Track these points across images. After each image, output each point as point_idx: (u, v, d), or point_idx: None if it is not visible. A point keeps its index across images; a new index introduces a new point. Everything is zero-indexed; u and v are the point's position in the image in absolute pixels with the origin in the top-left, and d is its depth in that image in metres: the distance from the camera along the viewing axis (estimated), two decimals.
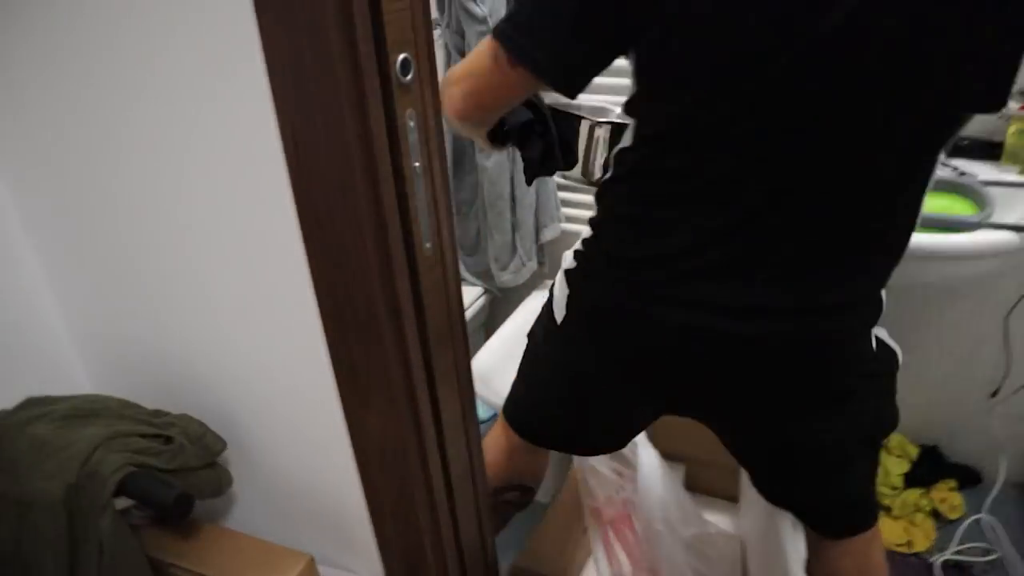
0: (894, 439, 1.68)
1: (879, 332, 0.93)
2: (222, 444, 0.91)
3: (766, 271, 0.82)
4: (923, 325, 1.63)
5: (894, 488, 1.59)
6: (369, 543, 0.96)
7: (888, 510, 1.58)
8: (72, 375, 1.00)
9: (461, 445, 0.92)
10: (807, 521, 1.05)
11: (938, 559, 1.52)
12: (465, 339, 0.90)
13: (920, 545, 1.54)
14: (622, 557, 1.32)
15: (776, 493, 1.04)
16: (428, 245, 0.77)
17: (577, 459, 1.25)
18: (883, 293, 0.89)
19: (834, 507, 1.01)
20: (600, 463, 1.27)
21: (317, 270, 0.77)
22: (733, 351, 0.86)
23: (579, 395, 1.05)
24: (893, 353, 0.95)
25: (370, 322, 0.76)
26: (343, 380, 0.83)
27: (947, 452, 1.71)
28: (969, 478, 1.69)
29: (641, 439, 1.24)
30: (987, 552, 1.52)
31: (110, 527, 0.75)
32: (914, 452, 1.65)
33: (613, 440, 1.14)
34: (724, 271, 0.83)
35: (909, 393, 1.73)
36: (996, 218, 1.23)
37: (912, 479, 1.61)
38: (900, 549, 1.55)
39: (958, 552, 1.53)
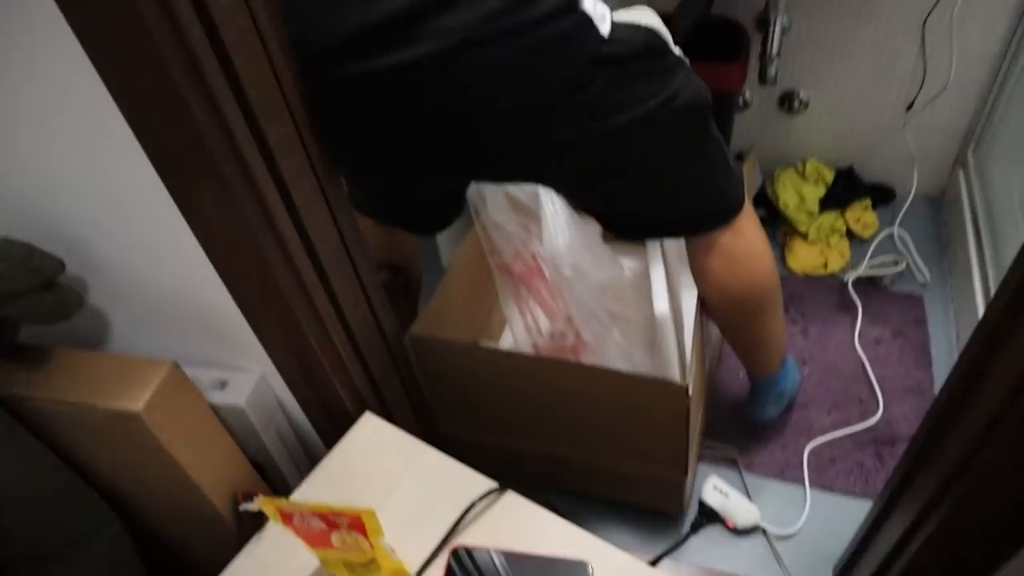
0: (810, 165, 1.65)
1: (618, 17, 0.86)
2: (55, 264, 0.81)
3: None
4: (837, 45, 1.53)
5: (810, 213, 1.58)
6: (251, 338, 0.90)
7: (805, 236, 1.59)
8: None
9: (324, 220, 0.84)
10: (651, 233, 1.04)
11: (851, 276, 1.55)
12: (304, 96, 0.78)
13: (835, 265, 1.56)
14: (537, 311, 1.30)
15: (613, 222, 1.01)
16: None
17: (477, 216, 1.18)
18: None
19: (664, 211, 0.98)
20: (504, 218, 1.20)
21: (94, 48, 0.63)
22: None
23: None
24: (648, 32, 0.87)
25: (168, 93, 0.63)
26: (163, 169, 0.72)
27: (862, 172, 1.69)
28: (883, 196, 1.69)
29: (543, 190, 1.17)
30: (896, 263, 1.55)
31: None
32: (830, 176, 1.63)
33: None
34: None
35: (824, 117, 1.70)
36: None
37: (828, 203, 1.60)
38: (816, 272, 1.57)
39: (871, 267, 1.56)
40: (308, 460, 1.12)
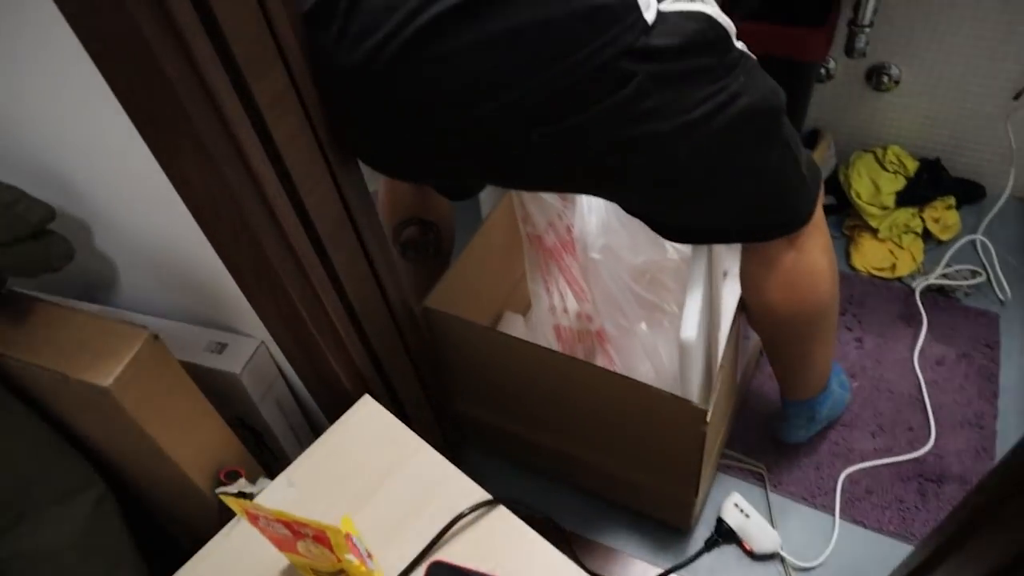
0: (892, 151, 1.48)
1: (671, 5, 0.71)
2: (44, 212, 0.75)
3: None
4: (941, 16, 1.34)
5: (884, 207, 1.43)
6: (247, 307, 0.84)
7: (875, 232, 1.44)
8: None
9: (324, 188, 0.75)
10: (699, 240, 0.89)
11: (920, 283, 1.40)
12: (307, 50, 0.69)
13: (904, 269, 1.41)
14: (565, 289, 1.21)
15: (656, 228, 0.87)
16: None
17: None
18: None
19: (714, 220, 0.85)
20: None
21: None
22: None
23: None
24: (701, 19, 0.72)
25: (140, 53, 0.55)
26: (139, 125, 0.64)
27: (951, 165, 1.52)
28: (971, 194, 1.52)
29: None
30: (975, 275, 1.40)
31: None
32: (912, 167, 1.46)
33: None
34: None
35: (916, 98, 1.52)
36: None
37: (906, 197, 1.44)
38: (882, 274, 1.43)
39: (944, 276, 1.41)
40: (311, 429, 1.07)
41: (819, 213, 0.87)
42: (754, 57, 0.79)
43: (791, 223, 0.85)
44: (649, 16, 0.68)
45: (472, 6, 0.65)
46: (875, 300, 1.39)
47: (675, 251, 1.16)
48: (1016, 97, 1.39)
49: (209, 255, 0.77)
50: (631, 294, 1.08)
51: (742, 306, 0.97)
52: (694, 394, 0.90)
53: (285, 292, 0.77)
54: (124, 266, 0.94)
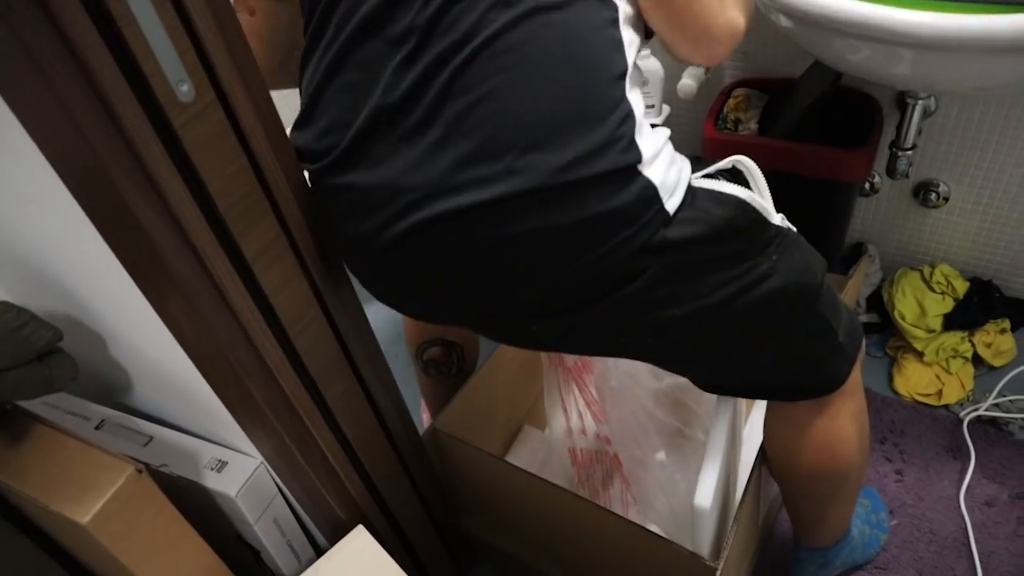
0: (940, 271, 1.41)
1: (700, 182, 0.67)
2: (49, 335, 0.76)
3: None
4: (992, 134, 1.29)
5: (930, 331, 1.35)
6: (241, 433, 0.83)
7: (920, 355, 1.36)
8: None
9: (318, 331, 0.75)
10: (722, 393, 0.85)
11: (969, 413, 1.31)
12: (304, 200, 0.69)
13: (952, 396, 1.33)
14: (584, 410, 1.17)
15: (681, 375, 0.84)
16: (184, 88, 0.54)
17: None
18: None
19: (735, 382, 0.80)
20: None
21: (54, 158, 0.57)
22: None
23: None
24: (733, 203, 0.67)
25: (122, 209, 0.56)
26: (136, 279, 0.65)
27: (1005, 286, 1.44)
28: None
29: None
30: None
31: None
32: (962, 288, 1.38)
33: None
34: None
35: (966, 216, 1.45)
36: None
37: (955, 320, 1.36)
38: (927, 400, 1.34)
39: (996, 406, 1.31)
40: (312, 547, 1.05)
41: (854, 377, 0.82)
42: (794, 230, 0.74)
43: (820, 390, 0.80)
44: (673, 203, 0.64)
45: (473, 212, 0.62)
46: (918, 429, 1.31)
47: None
48: None
49: (201, 386, 0.77)
50: (650, 422, 1.04)
51: (763, 456, 0.92)
52: (705, 549, 0.84)
53: (275, 430, 0.76)
54: (137, 376, 0.95)
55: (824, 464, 0.84)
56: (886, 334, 1.45)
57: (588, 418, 1.18)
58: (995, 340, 1.37)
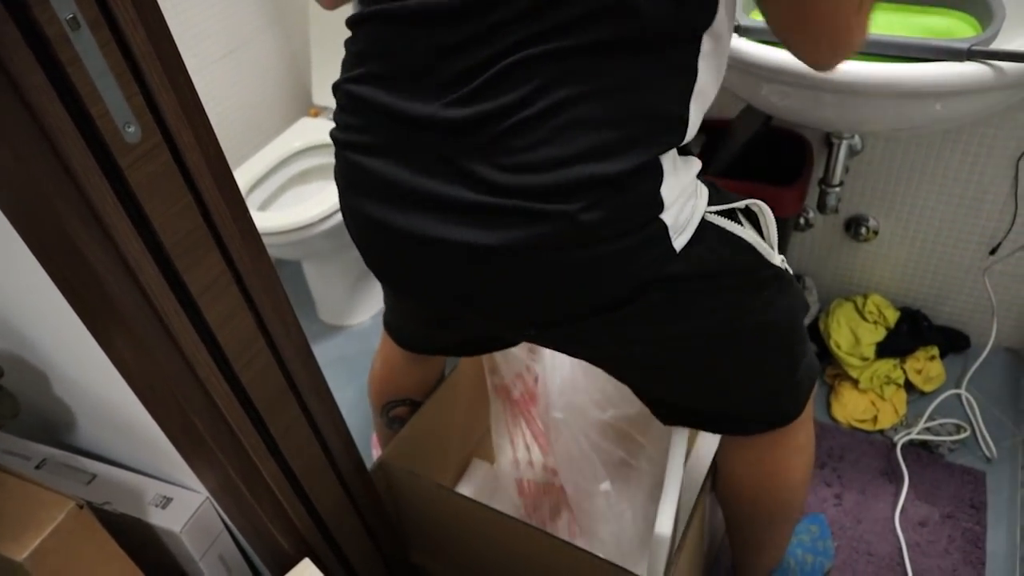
0: (872, 301, 1.47)
1: (713, 218, 0.70)
2: None
3: None
4: (916, 171, 1.37)
5: (864, 359, 1.41)
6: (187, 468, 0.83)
7: (856, 382, 1.42)
8: None
9: (263, 363, 0.75)
10: (680, 422, 0.88)
11: (902, 437, 1.36)
12: (252, 238, 0.71)
13: (886, 421, 1.38)
14: (531, 442, 1.19)
15: (642, 400, 0.87)
16: (132, 129, 0.56)
17: None
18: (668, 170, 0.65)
19: (696, 413, 0.84)
20: None
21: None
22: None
23: None
24: (739, 245, 0.71)
25: (68, 246, 0.57)
26: (82, 317, 0.66)
27: (934, 315, 1.51)
28: (955, 344, 1.50)
29: None
30: (959, 429, 1.36)
31: None
32: (893, 317, 1.45)
33: (490, 343, 0.98)
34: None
35: (895, 249, 1.53)
36: (1002, 39, 0.94)
37: (888, 348, 1.43)
38: (863, 426, 1.39)
39: (927, 430, 1.37)
40: None
41: (807, 409, 0.86)
42: (790, 272, 0.78)
43: (775, 422, 0.84)
44: (681, 241, 0.66)
45: (481, 254, 0.65)
46: (855, 454, 1.36)
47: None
48: (992, 252, 1.39)
49: (149, 424, 0.77)
50: (595, 453, 1.06)
51: (712, 482, 0.95)
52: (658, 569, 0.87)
53: (220, 463, 0.76)
54: (80, 414, 0.94)
55: (772, 491, 0.88)
56: (823, 363, 1.50)
57: (535, 450, 1.20)
58: (925, 367, 1.43)
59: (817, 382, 1.42)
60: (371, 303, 1.78)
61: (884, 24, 1.05)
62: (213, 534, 0.94)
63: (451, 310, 0.81)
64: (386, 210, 0.70)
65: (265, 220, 1.43)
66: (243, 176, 1.56)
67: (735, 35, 0.97)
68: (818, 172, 1.35)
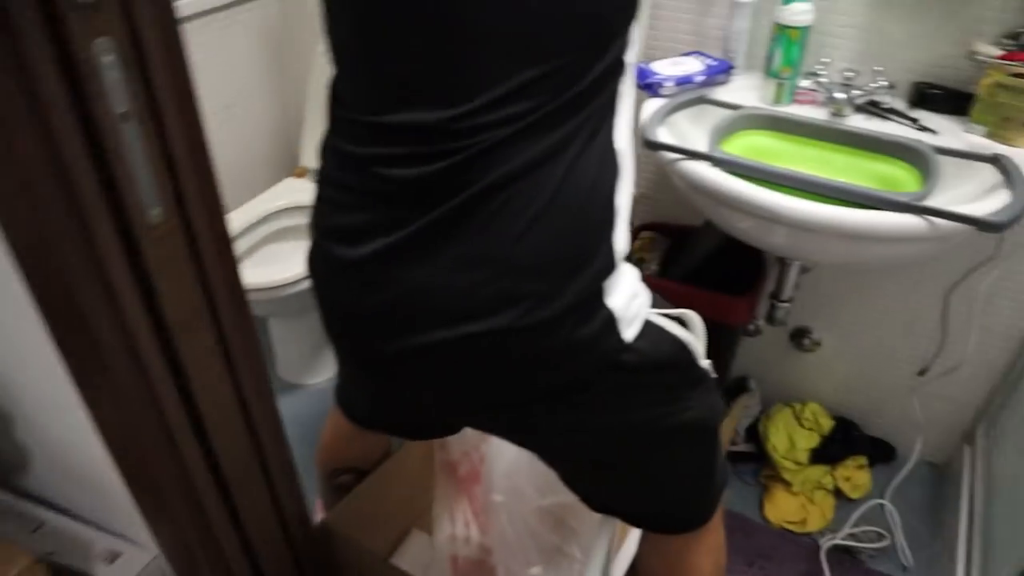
0: (809, 408, 1.56)
1: (654, 317, 0.76)
2: None
3: None
4: (857, 293, 1.48)
5: (798, 463, 1.49)
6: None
7: (789, 485, 1.49)
8: None
9: (235, 431, 0.79)
10: (603, 511, 0.93)
11: (828, 541, 1.43)
12: (245, 315, 0.75)
13: (814, 525, 1.45)
14: (471, 519, 1.22)
15: (568, 486, 0.91)
16: (156, 211, 0.60)
17: None
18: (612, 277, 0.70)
19: (624, 504, 0.89)
20: None
21: (17, 250, 0.61)
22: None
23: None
24: (676, 343, 0.78)
25: (74, 307, 0.60)
26: (75, 371, 0.68)
27: (866, 425, 1.61)
28: (883, 454, 1.59)
29: None
30: (880, 537, 1.44)
31: None
32: (827, 425, 1.54)
33: (436, 428, 1.03)
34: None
35: (835, 362, 1.63)
36: (937, 195, 1.05)
37: (821, 454, 1.51)
38: (793, 527, 1.46)
39: (851, 535, 1.45)
40: None
41: (718, 514, 0.92)
42: (714, 376, 0.85)
43: (689, 524, 0.89)
44: (630, 333, 0.71)
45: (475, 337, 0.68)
46: (783, 554, 1.42)
47: None
48: (920, 373, 1.50)
49: (116, 476, 0.79)
50: (530, 538, 1.10)
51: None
52: None
53: (180, 525, 0.78)
54: (40, 457, 0.94)
55: None
56: (760, 464, 1.58)
57: (474, 528, 1.23)
58: (853, 475, 1.52)
59: (752, 483, 1.49)
60: (331, 364, 1.79)
61: (840, 166, 1.16)
62: None
63: (410, 392, 0.84)
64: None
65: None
66: None
67: (707, 164, 1.06)
68: (770, 286, 1.44)
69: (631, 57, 0.68)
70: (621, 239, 0.70)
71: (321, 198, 0.74)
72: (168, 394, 0.68)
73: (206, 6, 1.57)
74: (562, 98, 0.63)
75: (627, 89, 0.69)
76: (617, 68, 0.67)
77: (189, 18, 1.53)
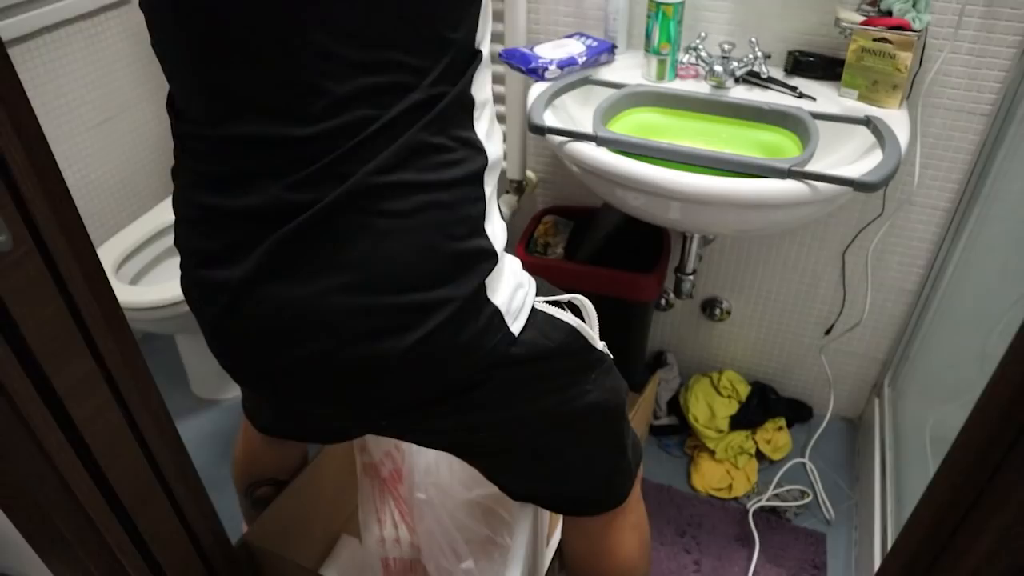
0: (726, 376, 1.61)
1: (541, 306, 0.77)
2: None
3: None
4: (760, 260, 1.52)
5: (719, 431, 1.53)
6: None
7: (713, 452, 1.53)
8: None
9: (130, 458, 0.76)
10: (521, 498, 0.94)
11: (754, 504, 1.48)
12: (124, 336, 0.72)
13: (740, 489, 1.50)
14: (399, 520, 1.21)
15: (486, 476, 0.92)
16: (2, 238, 0.57)
17: None
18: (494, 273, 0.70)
19: (539, 491, 0.90)
20: None
21: None
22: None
23: None
24: (566, 329, 0.78)
25: None
26: None
27: (781, 388, 1.66)
28: (801, 414, 1.65)
29: None
30: (803, 495, 1.49)
31: None
32: (745, 391, 1.59)
33: (344, 432, 1.02)
34: None
35: (745, 329, 1.68)
36: (819, 159, 1.09)
37: (740, 420, 1.55)
38: (720, 494, 1.50)
39: (775, 496, 1.49)
40: None
41: (635, 492, 0.94)
42: (611, 358, 0.86)
43: (607, 504, 0.91)
44: (517, 326, 0.71)
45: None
46: (712, 521, 1.46)
47: None
48: (827, 332, 1.56)
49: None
50: (458, 532, 1.10)
51: (560, 561, 1.01)
52: None
53: (83, 563, 0.75)
54: None
55: (612, 569, 0.94)
56: (684, 435, 1.61)
57: (403, 528, 1.22)
58: (773, 437, 1.56)
59: (678, 455, 1.52)
60: None
61: (726, 137, 1.19)
62: None
63: (300, 404, 0.83)
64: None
65: (137, 295, 1.41)
66: (116, 247, 1.52)
67: (593, 144, 1.07)
68: (674, 260, 1.47)
69: (484, 46, 0.69)
70: (497, 229, 0.70)
71: (179, 219, 0.72)
72: (47, 429, 0.65)
73: (69, 14, 1.49)
74: (408, 100, 0.62)
75: (483, 77, 0.69)
76: (469, 59, 0.67)
77: (50, 28, 1.45)
